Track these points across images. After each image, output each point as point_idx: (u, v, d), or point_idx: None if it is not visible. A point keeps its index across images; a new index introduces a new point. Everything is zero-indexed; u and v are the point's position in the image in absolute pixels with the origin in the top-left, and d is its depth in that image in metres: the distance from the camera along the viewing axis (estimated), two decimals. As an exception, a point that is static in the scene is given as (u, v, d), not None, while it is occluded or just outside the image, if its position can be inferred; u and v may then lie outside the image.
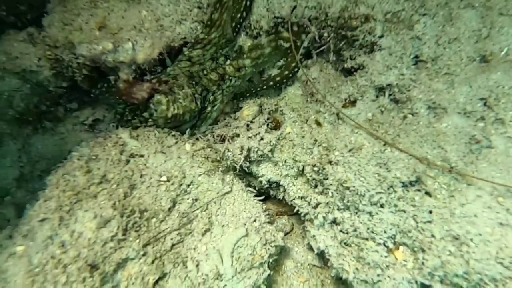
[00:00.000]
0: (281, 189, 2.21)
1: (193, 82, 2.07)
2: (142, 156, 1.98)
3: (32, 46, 2.18)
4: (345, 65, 1.99)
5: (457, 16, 1.68)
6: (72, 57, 2.11)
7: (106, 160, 1.85)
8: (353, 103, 1.89)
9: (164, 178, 1.92)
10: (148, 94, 1.86)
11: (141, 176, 1.89)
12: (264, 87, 2.24)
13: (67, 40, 1.96)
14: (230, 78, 2.18)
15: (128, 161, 1.92)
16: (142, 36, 2.00)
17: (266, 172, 2.16)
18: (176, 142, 2.13)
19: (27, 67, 2.18)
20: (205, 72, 2.12)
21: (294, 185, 2.12)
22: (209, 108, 2.21)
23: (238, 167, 2.02)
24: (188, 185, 1.99)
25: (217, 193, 2.02)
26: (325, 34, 1.93)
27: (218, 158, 2.01)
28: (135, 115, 2.09)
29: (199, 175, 2.04)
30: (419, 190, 1.63)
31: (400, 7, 1.75)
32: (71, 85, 2.42)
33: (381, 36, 1.79)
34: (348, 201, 1.75)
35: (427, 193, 1.61)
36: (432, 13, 1.73)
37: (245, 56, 2.14)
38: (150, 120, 2.07)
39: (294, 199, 2.12)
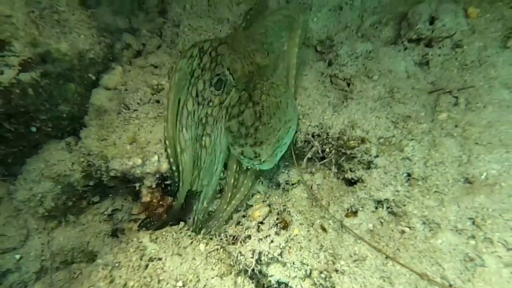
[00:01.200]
0: (290, 290, 2.29)
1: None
2: (160, 259, 2.12)
3: (68, 153, 2.47)
4: (346, 175, 2.22)
5: (440, 143, 1.95)
6: (102, 162, 2.38)
7: (128, 266, 2.00)
8: (354, 213, 2.08)
9: (180, 284, 2.04)
10: (165, 212, 2.08)
11: (159, 281, 2.01)
12: None
13: (101, 154, 2.25)
14: None
15: (147, 266, 2.06)
16: (167, 149, 2.28)
17: (275, 272, 2.26)
18: (191, 242, 2.29)
19: (62, 172, 2.44)
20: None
21: (302, 287, 2.21)
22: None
23: (250, 271, 2.13)
24: (202, 289, 2.09)
25: (229, 296, 2.11)
26: (327, 150, 2.20)
27: (231, 263, 2.14)
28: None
29: (212, 278, 2.16)
30: (422, 306, 1.72)
31: (391, 133, 2.04)
32: (97, 182, 2.66)
33: (376, 156, 2.05)
34: (355, 313, 1.84)
35: (430, 309, 1.71)
36: (418, 139, 2.00)
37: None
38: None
39: (303, 301, 2.19)
